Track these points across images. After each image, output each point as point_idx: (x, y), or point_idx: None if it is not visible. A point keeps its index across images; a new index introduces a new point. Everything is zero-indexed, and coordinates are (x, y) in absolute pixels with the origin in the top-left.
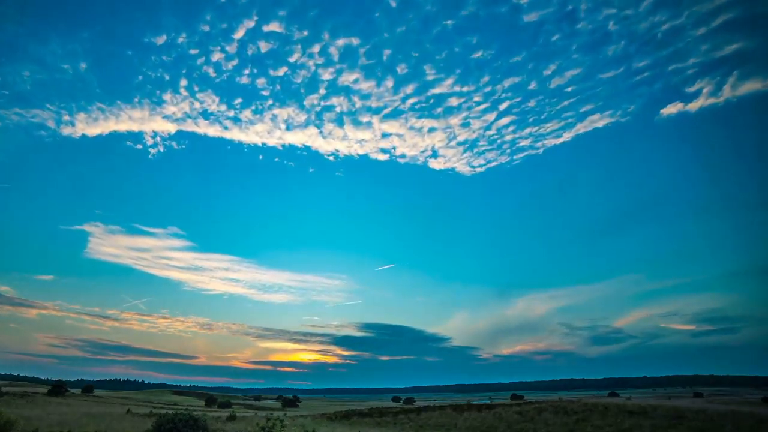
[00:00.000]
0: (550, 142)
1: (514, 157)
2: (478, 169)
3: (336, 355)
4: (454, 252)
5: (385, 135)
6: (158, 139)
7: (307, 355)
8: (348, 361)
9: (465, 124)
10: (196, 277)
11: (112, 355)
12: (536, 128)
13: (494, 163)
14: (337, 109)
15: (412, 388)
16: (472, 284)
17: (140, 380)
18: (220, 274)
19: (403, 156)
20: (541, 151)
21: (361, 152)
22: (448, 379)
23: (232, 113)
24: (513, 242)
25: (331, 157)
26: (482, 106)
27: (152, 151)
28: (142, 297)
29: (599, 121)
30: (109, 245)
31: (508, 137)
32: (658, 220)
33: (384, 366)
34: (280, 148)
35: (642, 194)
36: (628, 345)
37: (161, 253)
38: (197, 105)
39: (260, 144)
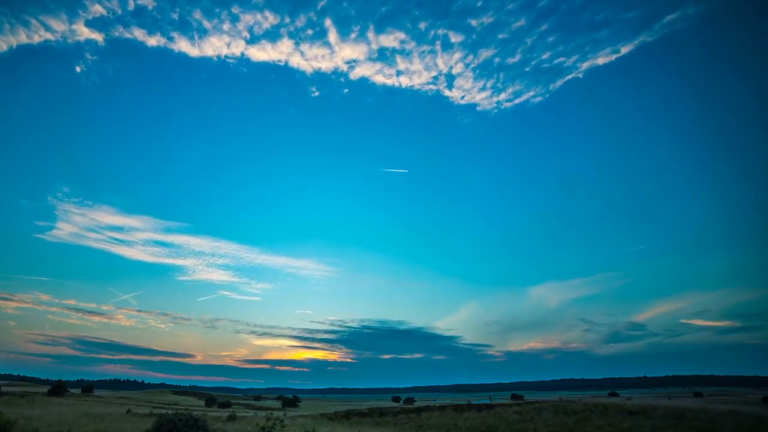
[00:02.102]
0: (602, 59)
1: (550, 87)
2: (506, 105)
3: (336, 353)
4: (465, 229)
5: (384, 52)
6: (88, 58)
7: (305, 353)
8: (348, 360)
9: (489, 33)
10: (181, 264)
11: (104, 353)
12: (584, 39)
13: (525, 96)
14: (320, 5)
15: (413, 388)
16: (483, 273)
17: (139, 380)
18: (206, 260)
19: (409, 78)
20: (581, 74)
21: (353, 77)
22: (453, 378)
23: (176, 14)
24: (533, 219)
25: (314, 89)
26: (515, 4)
27: (84, 80)
28: (122, 284)
29: (679, 21)
30: (76, 225)
31: (546, 55)
32: (712, 185)
33: (386, 365)
34: (245, 70)
35: (712, 142)
36: (645, 343)
37: (139, 236)
38: (130, 2)
39: (215, 58)
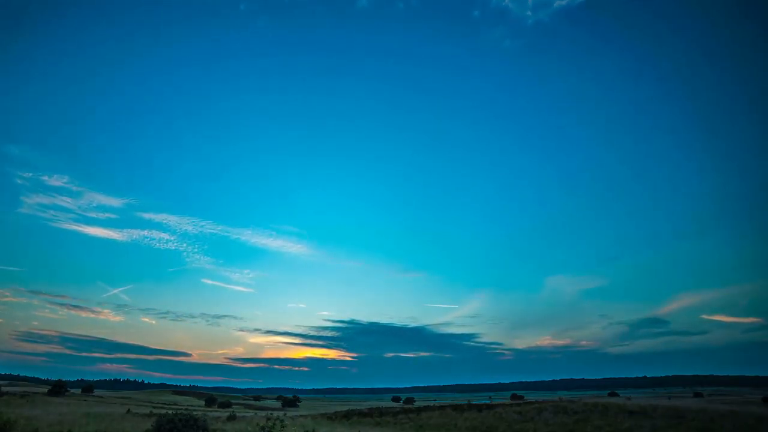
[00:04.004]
0: None
1: None
2: (543, 11)
3: (336, 351)
4: (470, 223)
5: None
6: None
7: (305, 351)
8: (348, 358)
9: None
10: (165, 248)
11: (96, 351)
12: None
13: None
14: None
15: (413, 387)
16: (490, 267)
17: (139, 380)
18: (190, 244)
19: None
20: None
21: None
22: (455, 378)
23: None
24: (543, 211)
25: None
26: None
27: None
28: (110, 278)
29: None
30: (39, 202)
31: None
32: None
33: (387, 364)
34: None
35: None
36: (663, 341)
37: (110, 215)
38: None
39: None
